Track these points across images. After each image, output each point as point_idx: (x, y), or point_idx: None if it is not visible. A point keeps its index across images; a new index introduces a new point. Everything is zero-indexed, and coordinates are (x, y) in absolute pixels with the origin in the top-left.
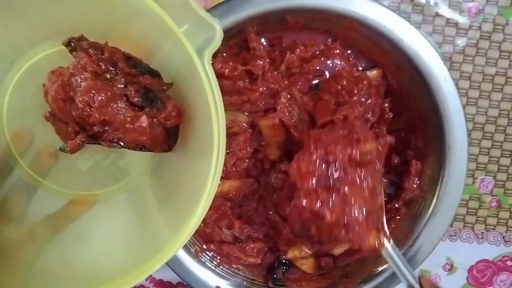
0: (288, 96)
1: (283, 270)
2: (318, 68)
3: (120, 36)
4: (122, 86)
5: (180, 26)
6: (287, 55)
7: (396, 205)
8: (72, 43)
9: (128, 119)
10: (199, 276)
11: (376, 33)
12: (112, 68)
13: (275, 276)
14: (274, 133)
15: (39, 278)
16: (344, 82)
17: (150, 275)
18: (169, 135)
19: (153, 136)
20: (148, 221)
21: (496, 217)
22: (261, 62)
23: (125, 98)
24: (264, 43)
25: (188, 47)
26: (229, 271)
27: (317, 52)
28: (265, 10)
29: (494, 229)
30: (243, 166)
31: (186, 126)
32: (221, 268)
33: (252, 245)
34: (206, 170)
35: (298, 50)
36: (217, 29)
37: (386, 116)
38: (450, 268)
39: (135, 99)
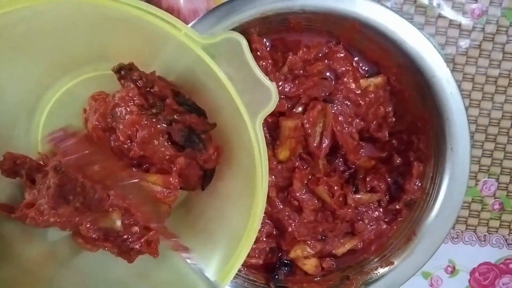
0: (320, 107)
1: (284, 271)
2: (322, 71)
3: (167, 71)
4: (166, 123)
5: (236, 84)
6: (290, 57)
7: (397, 207)
8: (122, 71)
9: (167, 157)
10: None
11: (378, 35)
12: (159, 103)
13: (276, 277)
14: (291, 134)
15: None
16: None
17: None
18: (205, 176)
19: (188, 176)
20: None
21: (499, 220)
22: (263, 63)
23: (167, 135)
24: (267, 44)
25: (244, 114)
26: None
27: (320, 55)
28: (267, 11)
29: (496, 231)
30: None
31: (220, 166)
32: None
33: (254, 246)
34: (243, 225)
35: (300, 51)
36: (273, 93)
37: (389, 120)
38: (452, 270)
39: (178, 138)
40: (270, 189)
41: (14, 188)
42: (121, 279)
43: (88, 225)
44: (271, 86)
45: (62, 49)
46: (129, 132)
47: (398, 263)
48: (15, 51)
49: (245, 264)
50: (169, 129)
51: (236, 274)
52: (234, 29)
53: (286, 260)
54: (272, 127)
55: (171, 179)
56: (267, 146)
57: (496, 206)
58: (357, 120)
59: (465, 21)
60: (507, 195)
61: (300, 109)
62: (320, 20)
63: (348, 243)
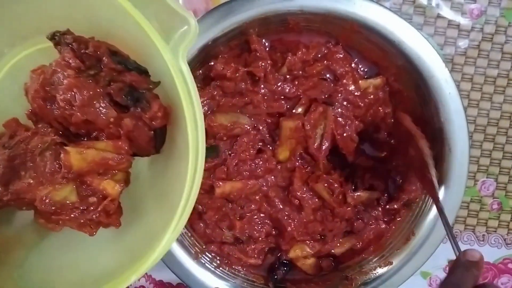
0: (321, 110)
1: (283, 271)
2: (321, 72)
3: (104, 34)
4: (105, 84)
5: (151, 21)
6: (289, 57)
7: (395, 206)
8: (56, 37)
9: (111, 119)
10: (199, 277)
11: (377, 35)
12: (96, 64)
13: (275, 276)
14: (291, 135)
15: (27, 282)
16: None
17: (150, 276)
18: (155, 137)
19: (138, 138)
20: (139, 223)
21: (498, 220)
22: (262, 64)
23: (108, 97)
24: (266, 45)
25: (158, 44)
26: (229, 273)
27: (319, 55)
28: (266, 12)
29: (495, 231)
30: (245, 167)
31: (173, 127)
32: (221, 270)
33: (253, 246)
34: (185, 170)
35: (299, 52)
36: (192, 23)
37: (388, 121)
38: None
39: (119, 98)
40: (270, 189)
41: None
42: (74, 263)
43: (43, 199)
44: (188, 15)
45: (19, 15)
46: (68, 96)
47: (397, 263)
48: None
49: (243, 264)
50: (109, 89)
51: (235, 274)
52: (233, 30)
53: (285, 260)
54: (273, 127)
55: (120, 143)
56: (267, 146)
57: (495, 206)
58: (357, 122)
59: (464, 21)
60: (505, 195)
61: (300, 109)
62: (319, 21)
63: (347, 243)
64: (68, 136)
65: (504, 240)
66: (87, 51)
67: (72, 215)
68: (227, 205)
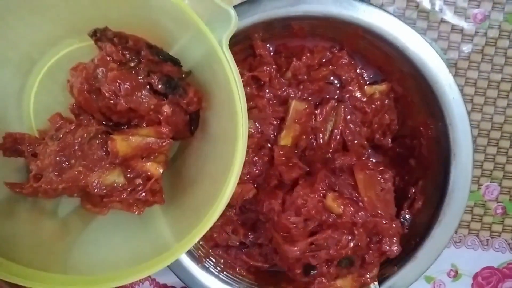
0: (336, 104)
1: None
2: (326, 76)
3: (137, 30)
4: (145, 74)
5: (198, 15)
6: (293, 62)
7: (401, 212)
8: (97, 34)
9: (152, 106)
10: (203, 281)
11: (381, 40)
12: (135, 56)
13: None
14: (299, 117)
15: (74, 268)
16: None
17: (154, 280)
18: (191, 121)
19: (176, 123)
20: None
21: (502, 224)
22: (267, 68)
23: (148, 86)
24: (270, 49)
25: (208, 35)
26: (233, 277)
27: (324, 60)
28: (270, 17)
29: (499, 236)
30: (244, 171)
31: (203, 113)
32: (225, 274)
33: (258, 251)
34: (231, 153)
35: (304, 57)
36: (232, 14)
37: (393, 127)
38: (455, 274)
39: (158, 86)
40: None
41: (19, 174)
42: (112, 248)
43: (95, 183)
44: (229, 7)
45: (60, 15)
46: (113, 87)
47: (400, 268)
48: (16, 13)
49: (251, 268)
50: (148, 79)
51: (239, 278)
52: (237, 35)
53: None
54: (278, 129)
55: (162, 128)
56: (268, 144)
57: (499, 211)
58: (364, 128)
59: (468, 26)
60: (510, 199)
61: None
62: (323, 26)
63: None
64: (109, 125)
65: (508, 244)
66: (127, 45)
67: (122, 196)
68: (231, 209)
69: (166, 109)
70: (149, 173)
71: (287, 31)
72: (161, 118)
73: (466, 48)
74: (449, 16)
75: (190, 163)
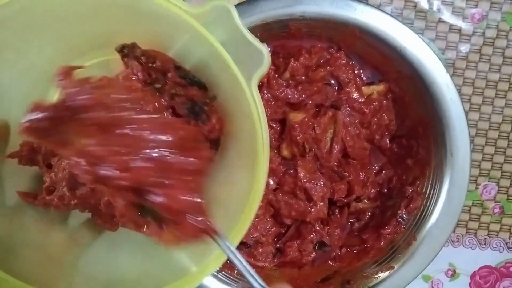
0: (331, 114)
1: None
2: (324, 77)
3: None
4: (169, 97)
5: (228, 50)
6: (291, 63)
7: (398, 211)
8: (124, 50)
9: None
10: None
11: (378, 41)
12: (161, 77)
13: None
14: (297, 129)
15: (81, 280)
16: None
17: None
18: (211, 147)
19: None
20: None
21: (499, 223)
22: None
23: (171, 109)
24: (268, 50)
25: (238, 74)
26: (231, 277)
27: (322, 61)
28: (268, 18)
29: (497, 235)
30: None
31: (224, 138)
32: (224, 274)
33: (260, 250)
34: (248, 190)
35: (302, 57)
36: (265, 54)
37: (392, 128)
38: (453, 274)
39: (182, 110)
40: (271, 193)
41: (32, 182)
42: (125, 265)
43: (107, 203)
44: (262, 47)
45: (75, 32)
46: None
47: (398, 267)
48: (32, 31)
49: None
50: (172, 102)
51: (238, 278)
52: None
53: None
54: (279, 132)
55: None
56: (271, 139)
57: (497, 210)
58: (363, 130)
59: (465, 26)
60: (507, 199)
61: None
62: (320, 27)
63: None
64: None
65: (506, 244)
66: (154, 65)
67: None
68: None
69: None
70: None
71: (284, 31)
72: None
73: (464, 48)
74: (447, 16)
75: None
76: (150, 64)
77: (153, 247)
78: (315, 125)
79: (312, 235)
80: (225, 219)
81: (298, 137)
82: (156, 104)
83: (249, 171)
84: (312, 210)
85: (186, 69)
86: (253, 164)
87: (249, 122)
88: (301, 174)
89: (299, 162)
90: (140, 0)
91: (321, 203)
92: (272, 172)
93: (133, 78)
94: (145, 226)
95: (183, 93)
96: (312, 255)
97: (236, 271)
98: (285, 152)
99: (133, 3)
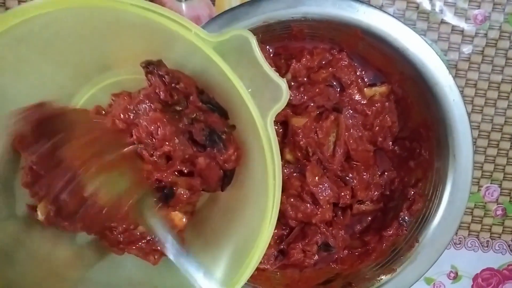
0: (333, 117)
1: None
2: (326, 79)
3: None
4: (189, 122)
5: (246, 82)
6: (293, 64)
7: (401, 213)
8: (149, 67)
9: (187, 156)
10: None
11: (380, 42)
12: (183, 100)
13: None
14: (299, 133)
15: None
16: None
17: None
18: (224, 177)
19: (208, 176)
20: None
21: (502, 226)
22: None
23: (188, 134)
24: (270, 51)
25: (253, 111)
26: None
27: (324, 62)
28: (270, 19)
29: (499, 237)
30: None
31: (239, 168)
32: None
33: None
34: (257, 226)
35: (304, 59)
36: (284, 89)
37: (394, 130)
38: (455, 276)
39: (199, 137)
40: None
41: None
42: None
43: (113, 229)
44: (282, 82)
45: (80, 55)
46: (151, 128)
47: (400, 269)
48: (39, 58)
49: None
50: (190, 127)
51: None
52: None
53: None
54: (281, 134)
55: (193, 180)
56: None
57: (499, 212)
58: (366, 132)
59: (468, 27)
60: (510, 201)
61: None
62: (323, 28)
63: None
64: None
65: (509, 246)
66: (177, 86)
67: (138, 245)
68: None
69: (201, 161)
70: (172, 223)
71: (286, 33)
72: (195, 169)
73: (467, 49)
74: (449, 17)
75: (216, 217)
76: (174, 85)
77: (163, 268)
78: (318, 129)
79: (317, 237)
80: (233, 255)
81: (301, 142)
82: (173, 128)
83: (260, 208)
84: (318, 212)
85: (209, 94)
86: (264, 202)
87: (263, 158)
88: (309, 179)
89: (308, 167)
90: (155, 26)
91: (327, 206)
92: None
93: (154, 97)
94: (151, 255)
95: (203, 119)
96: (315, 258)
97: None
98: (288, 156)
99: (143, 22)
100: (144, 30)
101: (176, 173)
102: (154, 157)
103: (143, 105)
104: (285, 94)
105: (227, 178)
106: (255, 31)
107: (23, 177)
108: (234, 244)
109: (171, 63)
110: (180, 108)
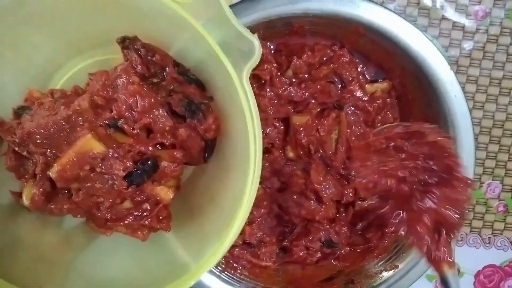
0: (334, 115)
1: None
2: (327, 75)
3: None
4: (166, 93)
5: (217, 40)
6: (294, 60)
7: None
8: (126, 41)
9: (167, 128)
10: (204, 281)
11: (382, 38)
12: (160, 72)
13: None
14: (301, 131)
15: (72, 284)
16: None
17: None
18: (206, 148)
19: (190, 147)
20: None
21: (504, 222)
22: (268, 67)
23: (167, 106)
24: (271, 48)
25: (227, 65)
26: (234, 277)
27: (325, 59)
28: (271, 15)
29: (501, 234)
30: None
31: (220, 138)
32: (226, 274)
33: (264, 250)
34: (241, 187)
35: (305, 55)
36: (256, 45)
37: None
38: (457, 273)
39: (178, 108)
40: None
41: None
42: (122, 267)
43: (101, 207)
44: (253, 38)
45: (73, 29)
46: (130, 101)
47: (402, 266)
48: (28, 26)
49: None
50: (169, 99)
51: (241, 278)
52: None
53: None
54: (282, 131)
55: (175, 153)
56: (275, 148)
57: (501, 208)
58: (368, 129)
59: (469, 23)
60: (511, 197)
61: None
62: (324, 24)
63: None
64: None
65: (510, 242)
66: (153, 59)
67: (126, 221)
68: None
69: (182, 133)
70: (158, 198)
71: (287, 29)
72: (176, 141)
73: (467, 45)
74: (450, 13)
75: (202, 188)
76: (150, 58)
77: (150, 246)
78: (319, 127)
79: (321, 234)
80: (220, 218)
81: (303, 140)
82: (152, 100)
83: (243, 171)
84: (322, 209)
85: (185, 66)
86: (246, 163)
87: (242, 120)
88: (314, 177)
89: (313, 165)
90: None
91: (330, 203)
92: (277, 172)
93: (131, 71)
94: (139, 231)
95: (180, 90)
96: (317, 255)
97: (239, 271)
98: (291, 154)
99: (132, 1)
100: (126, 6)
101: (158, 146)
102: (135, 130)
103: (121, 80)
104: (258, 49)
105: (209, 148)
106: (255, 27)
107: (7, 161)
108: (219, 211)
109: (155, 41)
110: (158, 80)
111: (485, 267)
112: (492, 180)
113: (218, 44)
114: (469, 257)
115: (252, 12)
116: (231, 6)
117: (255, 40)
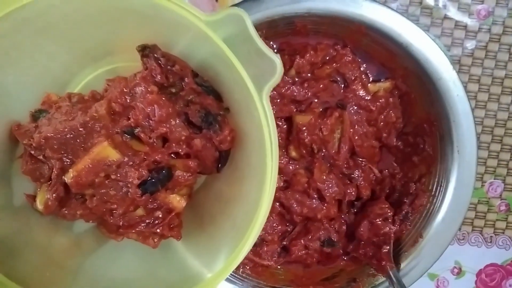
0: (337, 114)
1: None
2: (330, 74)
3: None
4: (184, 103)
5: (241, 59)
6: (297, 60)
7: (404, 210)
8: (145, 50)
9: (183, 137)
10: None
11: (384, 37)
12: (178, 82)
13: None
14: (304, 131)
15: (83, 285)
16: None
17: None
18: (220, 158)
19: (205, 158)
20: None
21: (505, 221)
22: None
23: (184, 116)
24: (274, 47)
25: (248, 83)
26: (236, 275)
27: (328, 58)
28: (273, 14)
29: (503, 233)
30: None
31: (234, 149)
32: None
33: (265, 248)
34: (256, 201)
35: (308, 54)
36: (278, 65)
37: (398, 125)
38: (459, 272)
39: (195, 119)
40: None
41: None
42: (130, 274)
43: (114, 214)
44: (275, 57)
45: (79, 42)
46: (148, 110)
47: (404, 265)
48: (36, 47)
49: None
50: (186, 109)
51: (243, 277)
52: None
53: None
54: (286, 131)
55: (190, 162)
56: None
57: (503, 207)
58: (370, 128)
59: (471, 22)
60: None
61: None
62: (326, 23)
63: None
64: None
65: None
66: (173, 68)
67: (138, 228)
68: None
69: (197, 143)
70: (171, 206)
71: (290, 28)
72: (190, 151)
73: (470, 44)
74: (453, 12)
75: (213, 197)
76: (169, 67)
77: (161, 253)
78: (322, 126)
79: (320, 232)
80: (232, 229)
81: (306, 140)
82: (170, 110)
83: (257, 184)
84: (324, 207)
85: (203, 77)
86: (262, 177)
87: (259, 134)
88: (317, 176)
89: (316, 164)
90: (158, 8)
91: (332, 202)
92: (280, 171)
93: (150, 79)
94: (150, 238)
95: (198, 101)
96: (316, 255)
97: (241, 269)
98: (293, 153)
99: (150, 11)
100: (142, 17)
101: (173, 155)
102: (151, 139)
103: (140, 88)
104: (279, 69)
105: (222, 159)
106: (258, 27)
107: (23, 165)
108: (231, 221)
109: (162, 44)
110: (176, 90)
111: (486, 266)
112: (494, 179)
113: (240, 61)
114: (471, 256)
115: (255, 11)
116: (234, 5)
117: (277, 60)
